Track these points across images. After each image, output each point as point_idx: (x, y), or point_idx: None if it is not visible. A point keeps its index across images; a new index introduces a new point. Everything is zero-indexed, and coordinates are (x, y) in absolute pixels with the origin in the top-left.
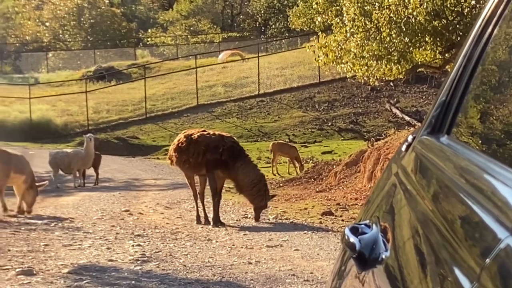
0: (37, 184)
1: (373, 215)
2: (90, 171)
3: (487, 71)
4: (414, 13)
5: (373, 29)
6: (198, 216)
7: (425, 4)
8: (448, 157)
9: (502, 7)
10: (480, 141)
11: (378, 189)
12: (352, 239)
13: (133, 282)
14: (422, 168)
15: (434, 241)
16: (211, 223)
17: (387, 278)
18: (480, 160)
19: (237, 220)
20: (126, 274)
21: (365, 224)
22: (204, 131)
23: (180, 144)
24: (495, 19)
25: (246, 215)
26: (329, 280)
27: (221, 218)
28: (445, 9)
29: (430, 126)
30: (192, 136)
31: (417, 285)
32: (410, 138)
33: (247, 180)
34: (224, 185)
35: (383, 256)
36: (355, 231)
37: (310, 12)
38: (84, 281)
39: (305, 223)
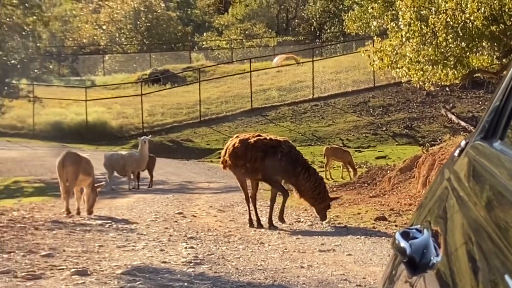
0: (95, 185)
1: (424, 220)
2: (145, 174)
3: None
4: (471, 18)
5: (429, 33)
6: (250, 219)
7: (483, 8)
8: (501, 163)
9: None
10: None
11: (431, 193)
12: (403, 243)
13: (185, 284)
14: (475, 174)
15: (486, 248)
16: (268, 226)
17: (438, 284)
18: None
19: (289, 224)
20: (179, 276)
21: (416, 229)
22: (260, 135)
23: (235, 149)
24: None
25: (299, 219)
26: (379, 284)
27: (273, 222)
28: (503, 13)
29: (484, 131)
30: (249, 141)
31: None
32: (463, 143)
33: (308, 184)
34: None
35: (434, 261)
36: (406, 235)
37: (365, 16)
38: (138, 282)
39: (358, 228)
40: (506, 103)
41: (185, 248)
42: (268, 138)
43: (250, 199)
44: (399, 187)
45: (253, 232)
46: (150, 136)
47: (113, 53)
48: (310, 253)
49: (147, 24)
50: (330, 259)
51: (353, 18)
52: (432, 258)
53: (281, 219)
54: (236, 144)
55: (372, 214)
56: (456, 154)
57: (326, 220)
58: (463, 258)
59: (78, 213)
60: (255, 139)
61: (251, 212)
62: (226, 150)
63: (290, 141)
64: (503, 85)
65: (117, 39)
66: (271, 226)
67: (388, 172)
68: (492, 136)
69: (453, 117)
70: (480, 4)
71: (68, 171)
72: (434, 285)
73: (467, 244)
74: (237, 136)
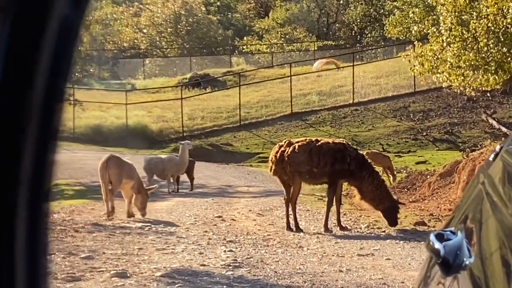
0: (146, 188)
1: (459, 222)
2: (184, 177)
3: None
4: None
5: (470, 38)
6: (288, 223)
7: None
8: None
9: None
10: None
11: (466, 196)
12: (437, 245)
13: (224, 287)
14: (509, 179)
15: None
16: (339, 228)
17: (471, 285)
18: None
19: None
20: (217, 279)
21: (451, 231)
22: (317, 139)
23: (297, 155)
24: None
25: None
26: (415, 285)
27: (313, 226)
28: None
29: None
30: (312, 146)
31: None
32: (497, 148)
33: (371, 187)
34: (316, 194)
35: (467, 262)
36: (440, 237)
37: (406, 21)
38: (177, 285)
39: (397, 233)
40: None
41: (224, 251)
42: (331, 142)
43: (290, 203)
44: (439, 193)
45: (292, 236)
46: (192, 146)
47: (154, 56)
48: (349, 257)
49: (188, 28)
50: (368, 264)
51: (394, 23)
52: (465, 259)
53: (326, 226)
54: (297, 150)
55: (412, 219)
56: (491, 158)
57: (365, 225)
58: (497, 262)
59: (130, 216)
60: (320, 143)
61: (290, 216)
62: (281, 156)
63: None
64: None
65: (157, 42)
66: (342, 228)
67: (428, 177)
68: None
69: (494, 123)
70: None
71: (112, 174)
72: (467, 285)
73: (501, 249)
74: (289, 143)
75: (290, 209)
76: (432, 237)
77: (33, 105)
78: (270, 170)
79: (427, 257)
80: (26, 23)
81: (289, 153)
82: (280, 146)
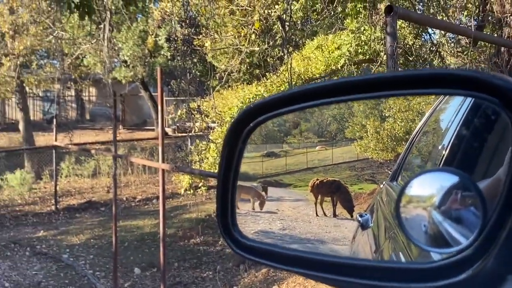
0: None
1: (368, 209)
2: None
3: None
4: None
5: None
6: None
7: None
8: (390, 194)
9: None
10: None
11: (372, 200)
12: (360, 218)
13: None
14: (386, 196)
15: (387, 225)
16: None
17: (373, 236)
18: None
19: None
20: None
21: (365, 214)
22: None
23: None
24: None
25: None
26: (351, 240)
27: None
28: None
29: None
30: None
31: (383, 239)
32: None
33: None
34: None
35: (370, 225)
36: (360, 215)
37: None
38: None
39: None
40: (404, 155)
41: None
42: None
43: None
44: None
45: None
46: None
47: None
48: None
49: None
50: None
51: None
52: (370, 224)
53: None
54: None
55: None
56: (381, 186)
57: None
58: (381, 229)
59: None
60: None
61: None
62: None
63: None
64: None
65: None
66: None
67: None
68: (394, 179)
69: None
70: None
71: None
72: (371, 236)
73: (383, 221)
74: None
75: None
76: (357, 216)
77: None
78: None
79: (356, 226)
80: None
81: None
82: None
